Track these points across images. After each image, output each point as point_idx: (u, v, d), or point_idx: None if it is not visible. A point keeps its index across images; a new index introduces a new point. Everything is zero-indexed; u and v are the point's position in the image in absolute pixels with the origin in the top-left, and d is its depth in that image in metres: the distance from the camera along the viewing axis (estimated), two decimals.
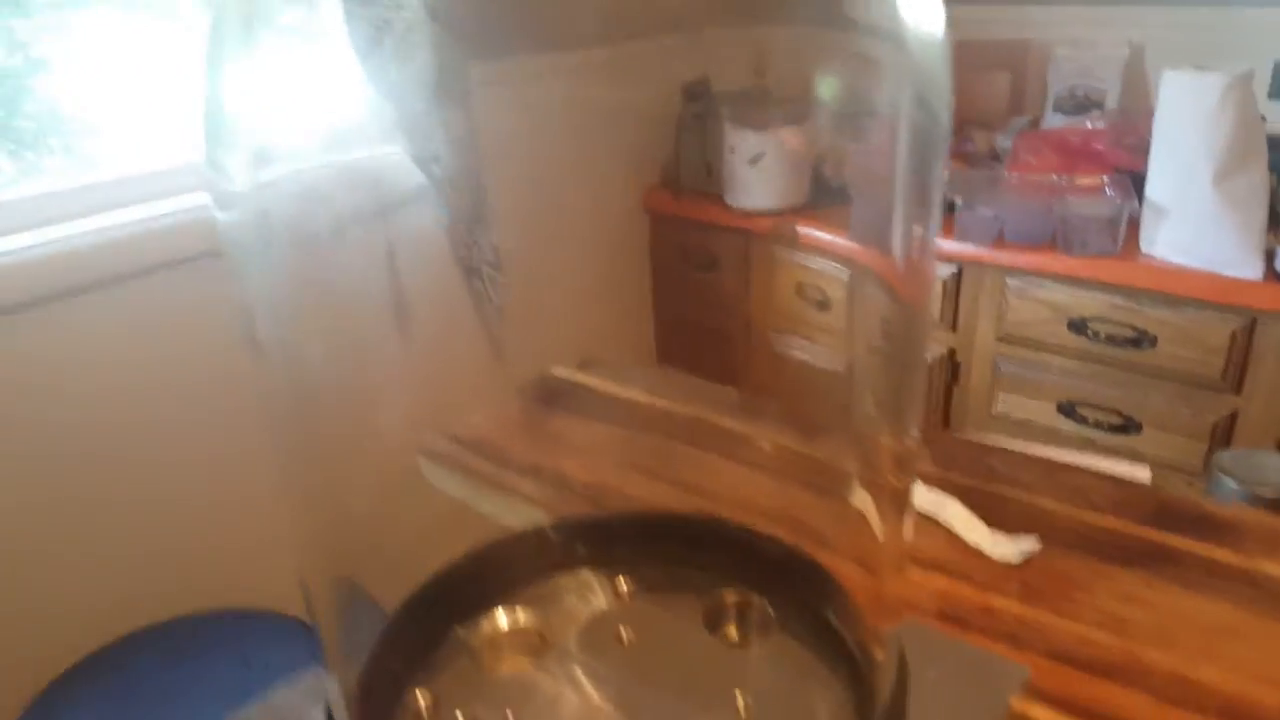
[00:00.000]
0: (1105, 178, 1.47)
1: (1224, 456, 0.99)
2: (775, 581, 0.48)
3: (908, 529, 0.43)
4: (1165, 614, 0.50)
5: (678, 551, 0.51)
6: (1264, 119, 1.42)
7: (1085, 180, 1.47)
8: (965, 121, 1.76)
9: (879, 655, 0.42)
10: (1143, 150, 1.45)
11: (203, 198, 1.19)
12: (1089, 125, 1.58)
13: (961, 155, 1.67)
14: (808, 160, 1.61)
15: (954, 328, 1.62)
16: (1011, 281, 1.53)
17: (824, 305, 1.63)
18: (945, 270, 1.58)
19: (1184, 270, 1.41)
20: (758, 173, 1.59)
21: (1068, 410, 1.58)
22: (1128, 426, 1.53)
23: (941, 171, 0.35)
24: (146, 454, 1.17)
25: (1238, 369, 1.42)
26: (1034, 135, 1.59)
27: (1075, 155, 1.52)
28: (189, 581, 1.16)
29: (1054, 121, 1.72)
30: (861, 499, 0.47)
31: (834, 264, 1.63)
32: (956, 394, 1.68)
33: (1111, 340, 1.49)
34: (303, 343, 0.41)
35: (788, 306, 1.69)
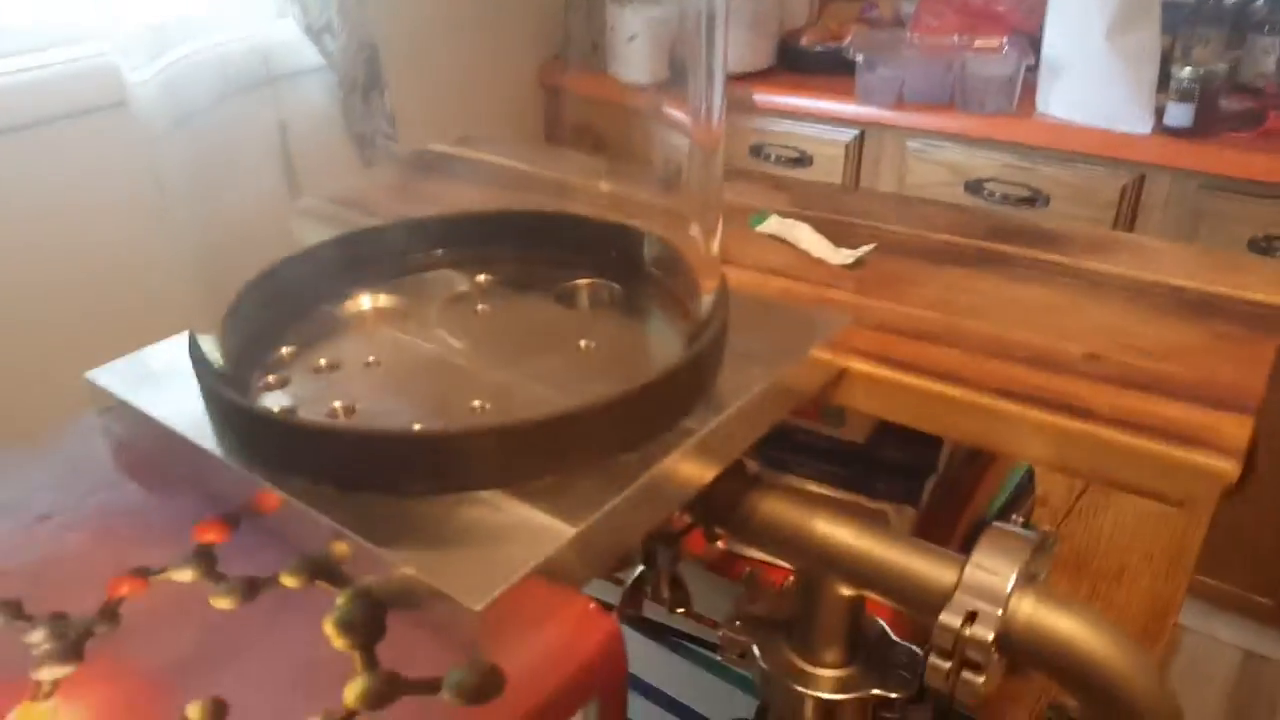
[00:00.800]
0: (1005, 39, 1.50)
1: None
2: (623, 267, 0.50)
3: (717, 242, 0.46)
4: (989, 298, 0.53)
5: (534, 249, 0.52)
6: None
7: (985, 41, 1.50)
8: None
9: (705, 300, 0.45)
10: (1040, 13, 1.48)
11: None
12: None
13: (866, 20, 1.69)
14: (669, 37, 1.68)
15: (856, 186, 1.65)
16: (911, 144, 1.56)
17: (678, 173, 1.65)
18: (847, 135, 1.61)
19: (1077, 127, 1.46)
20: (633, 49, 1.64)
21: None
22: None
23: (721, 50, 0.42)
24: (33, 313, 1.15)
25: (1127, 224, 1.48)
26: None
27: (976, 17, 1.55)
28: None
29: None
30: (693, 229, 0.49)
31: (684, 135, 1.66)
32: None
33: (1006, 200, 1.54)
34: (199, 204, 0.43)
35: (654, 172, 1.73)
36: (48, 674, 0.32)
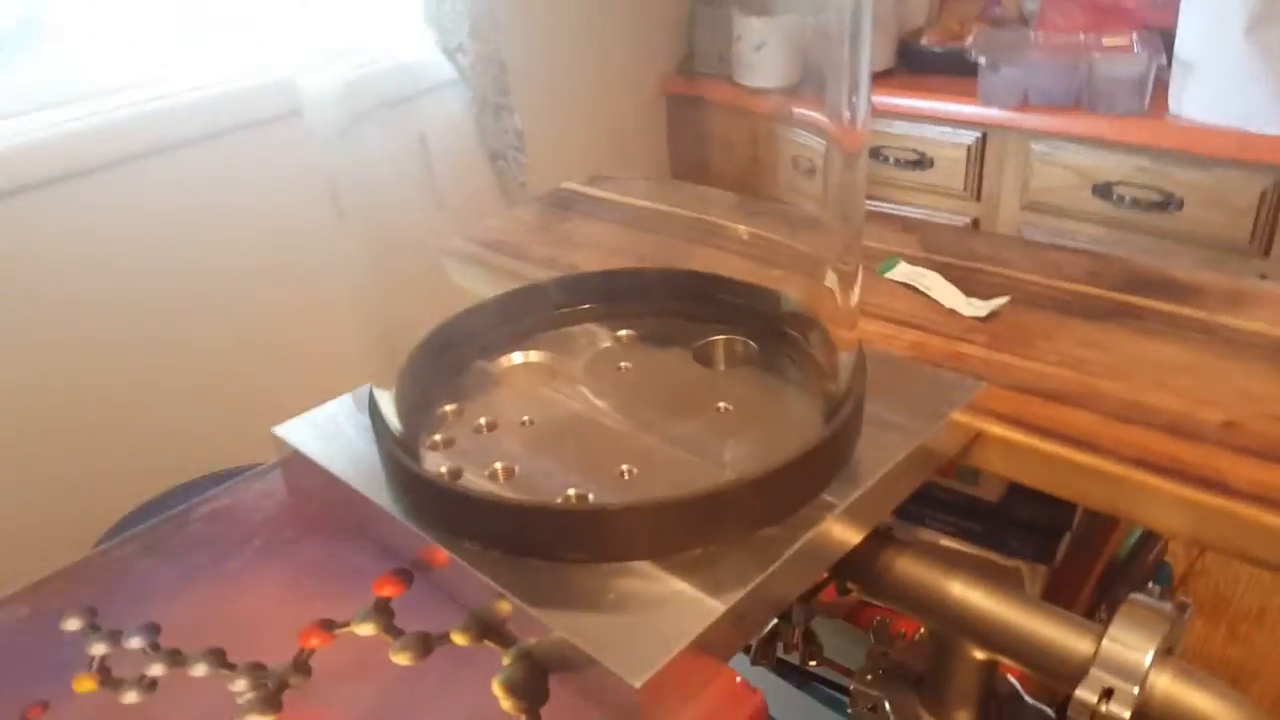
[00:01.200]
0: (1134, 35, 1.45)
1: None
2: (760, 326, 0.52)
3: (856, 294, 0.47)
4: (1123, 355, 0.53)
5: (674, 305, 0.55)
6: None
7: (1113, 39, 1.45)
8: None
9: (843, 365, 0.46)
10: (1172, 6, 1.42)
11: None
12: None
13: (989, 18, 1.65)
14: (802, 43, 1.67)
15: (978, 197, 1.62)
16: (1036, 146, 1.52)
17: (810, 173, 1.65)
18: (969, 137, 1.57)
19: (1212, 129, 1.39)
20: (762, 56, 1.64)
21: None
22: None
23: (866, 51, 0.42)
24: (212, 305, 1.24)
25: (1266, 230, 1.41)
26: None
27: (1104, 13, 1.49)
28: (245, 436, 1.23)
29: None
30: (830, 279, 0.50)
31: (818, 137, 1.66)
32: None
33: (1137, 204, 1.48)
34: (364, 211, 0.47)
35: (785, 178, 1.73)
36: None
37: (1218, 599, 0.81)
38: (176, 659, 0.40)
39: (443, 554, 0.41)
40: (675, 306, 0.55)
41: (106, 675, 0.39)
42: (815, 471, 0.41)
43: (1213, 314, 0.56)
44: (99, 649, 0.40)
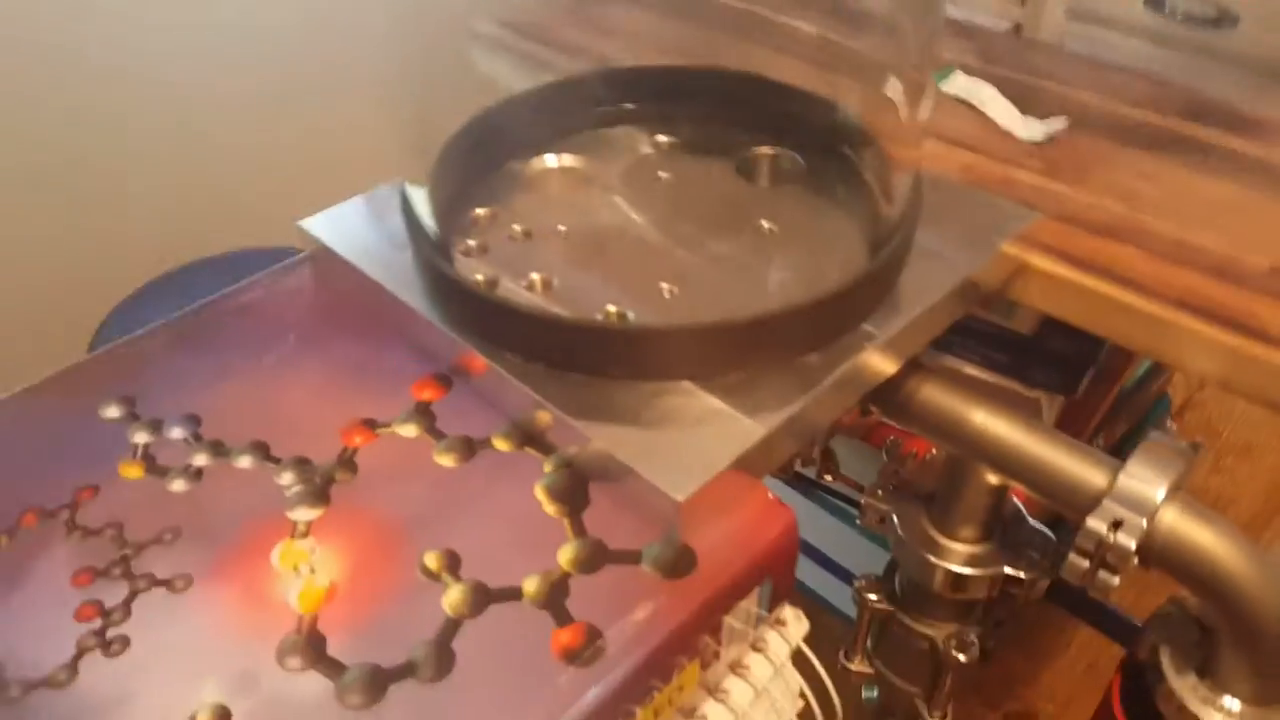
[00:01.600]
0: None
1: None
2: (808, 136, 0.50)
3: (926, 109, 0.44)
4: (1177, 190, 0.51)
5: (717, 108, 0.52)
6: None
7: None
8: None
9: (894, 197, 0.45)
10: None
11: None
12: None
13: None
14: None
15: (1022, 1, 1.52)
16: None
17: None
18: None
19: None
20: None
21: None
22: None
23: None
24: (211, 87, 1.18)
25: None
26: None
27: None
28: (243, 219, 1.21)
29: None
30: (892, 87, 0.47)
31: None
32: None
33: (1190, 19, 1.40)
34: None
35: None
36: (301, 515, 0.38)
37: (1209, 431, 0.84)
38: (220, 450, 0.41)
39: (482, 362, 0.41)
40: (720, 111, 0.52)
41: (152, 463, 0.40)
42: (859, 301, 0.41)
43: (1271, 152, 0.54)
44: (141, 437, 0.41)
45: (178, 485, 0.39)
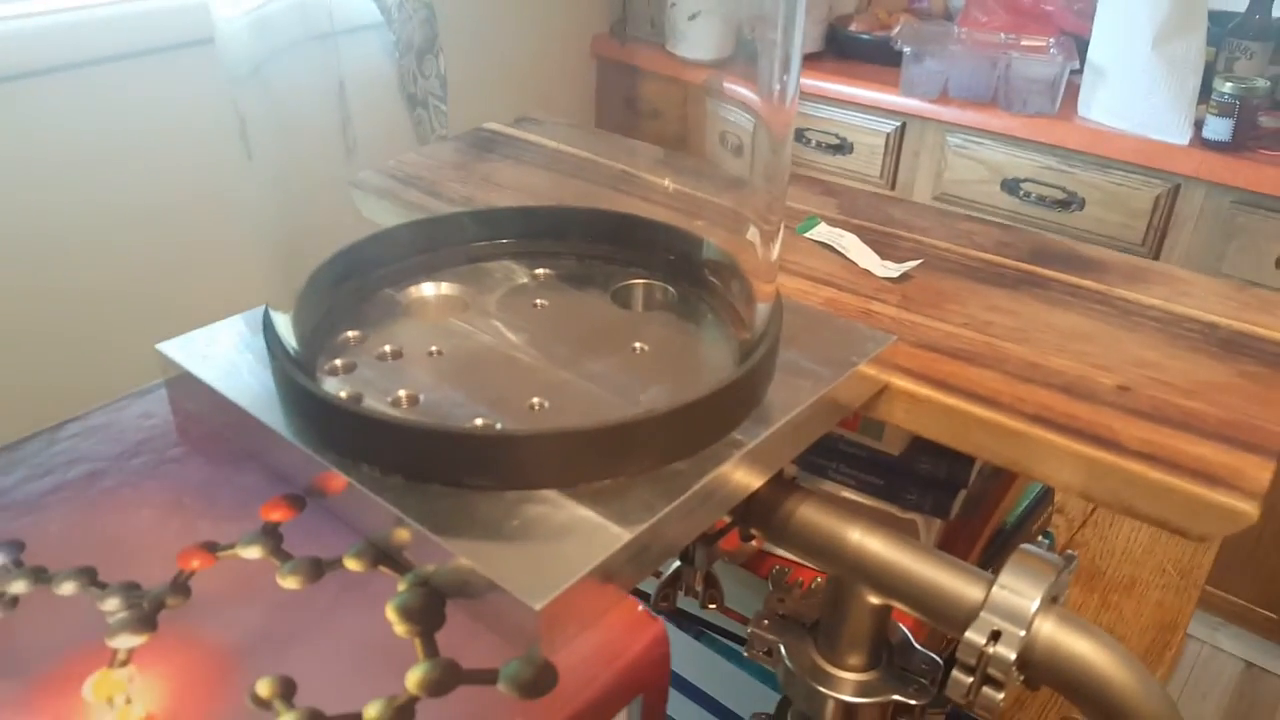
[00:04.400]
0: (1051, 39, 1.49)
1: None
2: (680, 272, 0.51)
3: (777, 249, 0.47)
4: (1028, 321, 0.54)
5: (594, 246, 0.54)
6: None
7: (1031, 41, 1.49)
8: None
9: (760, 315, 0.46)
10: (1089, 14, 1.47)
11: None
12: None
13: (915, 10, 1.68)
14: (735, 17, 1.65)
15: (893, 185, 1.65)
16: (952, 139, 1.56)
17: (739, 151, 1.66)
18: (889, 125, 1.60)
19: (1116, 133, 1.45)
20: (695, 27, 1.63)
21: None
22: None
23: (800, 31, 0.43)
24: (102, 233, 1.17)
25: (1158, 234, 1.48)
26: None
27: (1025, 15, 1.54)
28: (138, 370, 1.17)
29: None
30: (752, 233, 0.50)
31: (746, 114, 1.67)
32: None
33: (1042, 202, 1.54)
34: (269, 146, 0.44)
35: (712, 154, 1.74)
36: (123, 642, 0.34)
37: (1093, 570, 0.85)
38: (41, 576, 0.37)
39: (339, 479, 0.39)
40: (595, 248, 0.54)
41: None
42: (726, 410, 0.41)
43: (1112, 287, 0.58)
44: None
45: None
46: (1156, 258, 1.48)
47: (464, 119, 1.52)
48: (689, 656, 0.60)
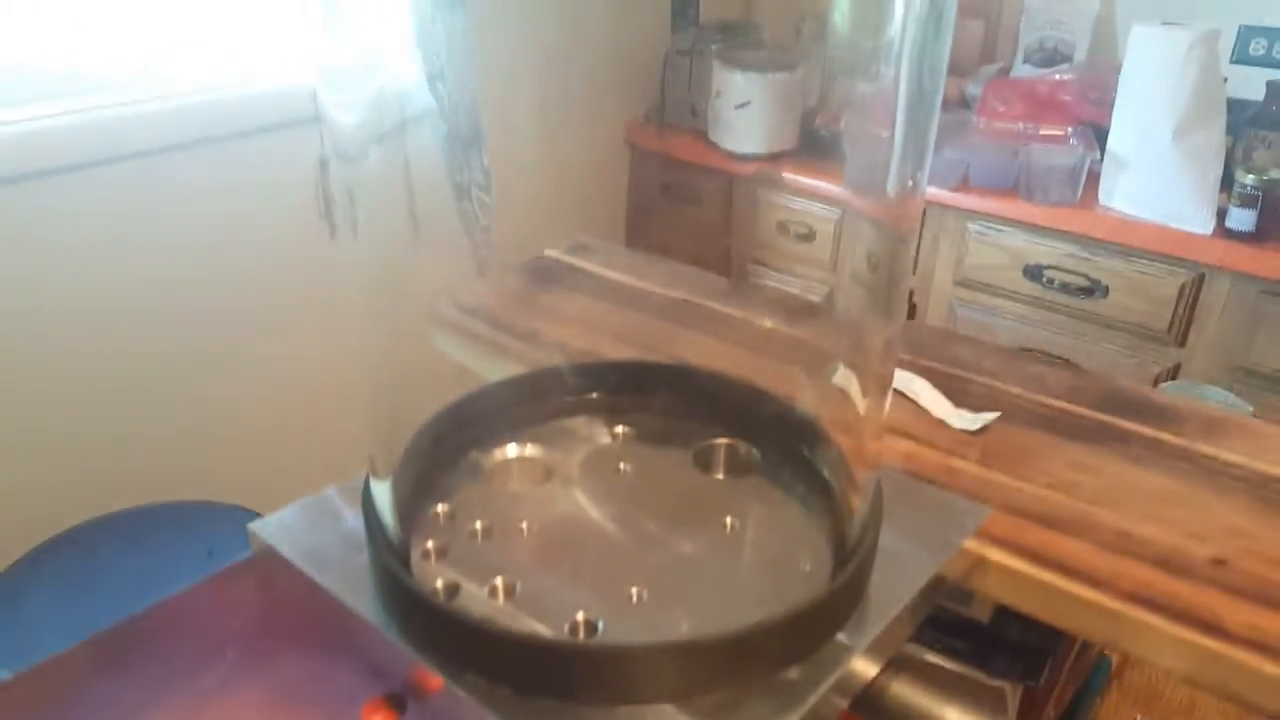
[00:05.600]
0: (1070, 129, 1.51)
1: (1166, 388, 1.05)
2: (764, 431, 0.51)
3: (887, 404, 0.46)
4: (1112, 481, 0.54)
5: (675, 401, 0.53)
6: (1225, 80, 1.47)
7: (1050, 130, 1.51)
8: None
9: (855, 496, 0.45)
10: (1107, 104, 1.49)
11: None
12: (1057, 77, 1.61)
13: None
14: (796, 109, 1.61)
15: (913, 270, 1.66)
16: (972, 226, 1.57)
17: (807, 238, 1.67)
18: None
19: (1139, 222, 1.46)
20: (744, 117, 1.58)
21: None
22: None
23: (936, 113, 0.39)
24: (120, 342, 1.17)
25: (1183, 322, 1.48)
26: (1003, 83, 1.62)
27: (1042, 105, 1.55)
28: (154, 472, 1.16)
29: (1023, 71, 1.75)
30: (844, 377, 0.49)
31: (820, 204, 1.66)
32: None
33: (1065, 289, 1.54)
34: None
35: (769, 240, 1.73)
36: None
37: (1151, 692, 0.83)
38: None
39: (441, 682, 0.38)
40: (677, 403, 0.53)
41: None
42: (836, 611, 0.40)
43: (1192, 442, 0.58)
44: None
45: None
46: (1182, 345, 1.49)
47: (501, 208, 1.52)
48: None
